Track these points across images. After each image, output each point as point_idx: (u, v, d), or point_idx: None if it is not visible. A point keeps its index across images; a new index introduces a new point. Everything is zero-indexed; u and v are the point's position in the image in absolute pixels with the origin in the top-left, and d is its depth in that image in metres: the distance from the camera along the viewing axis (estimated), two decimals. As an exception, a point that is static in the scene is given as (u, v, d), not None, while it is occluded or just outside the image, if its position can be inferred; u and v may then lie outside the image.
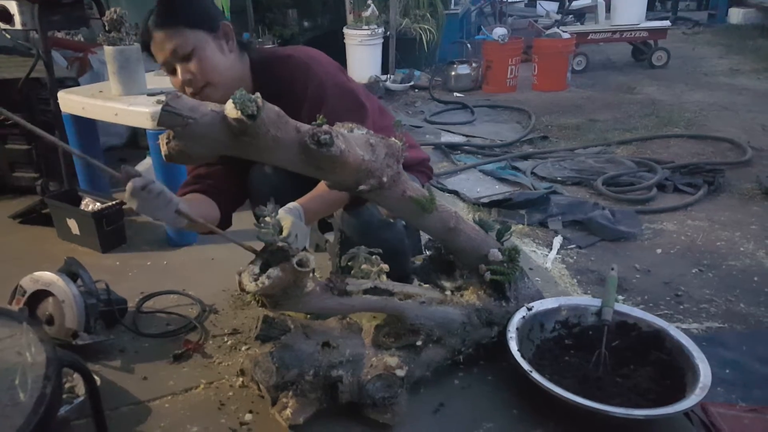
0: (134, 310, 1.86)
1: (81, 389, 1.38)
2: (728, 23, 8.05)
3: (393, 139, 1.23)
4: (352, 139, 1.14)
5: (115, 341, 1.70)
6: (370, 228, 1.44)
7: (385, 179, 1.19)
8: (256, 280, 1.14)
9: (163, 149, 1.04)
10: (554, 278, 2.12)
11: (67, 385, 1.40)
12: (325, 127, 1.09)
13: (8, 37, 2.51)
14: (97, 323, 1.66)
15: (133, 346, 1.70)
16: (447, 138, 3.82)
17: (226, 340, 1.72)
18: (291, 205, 1.37)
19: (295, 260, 1.14)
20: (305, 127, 1.09)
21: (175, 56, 1.33)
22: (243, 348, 1.67)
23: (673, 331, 1.56)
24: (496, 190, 2.95)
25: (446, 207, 1.41)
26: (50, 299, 1.61)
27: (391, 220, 1.53)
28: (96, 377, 1.39)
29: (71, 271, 1.67)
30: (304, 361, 1.34)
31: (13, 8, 2.34)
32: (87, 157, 1.10)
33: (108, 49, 2.26)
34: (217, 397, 1.48)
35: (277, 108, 1.05)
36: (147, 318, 1.84)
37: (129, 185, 1.10)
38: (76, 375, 1.39)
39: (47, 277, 1.61)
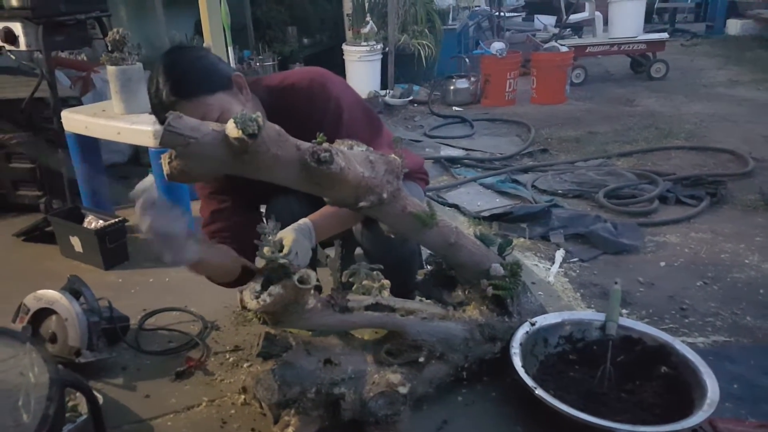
0: (136, 327, 1.86)
1: (84, 407, 1.37)
2: (726, 34, 8.09)
3: (392, 155, 1.24)
4: (351, 156, 1.15)
5: (117, 359, 1.70)
6: (390, 242, 1.42)
7: (385, 195, 1.20)
8: (257, 297, 1.14)
9: (166, 169, 1.05)
10: (557, 292, 2.10)
11: (70, 404, 1.40)
12: (325, 145, 1.10)
13: (13, 57, 2.54)
14: (99, 341, 1.66)
15: (135, 364, 1.70)
16: (447, 152, 3.83)
17: (227, 357, 1.72)
18: (301, 221, 1.36)
19: (296, 277, 1.15)
20: (305, 145, 1.10)
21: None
22: (245, 365, 1.67)
23: (679, 345, 1.54)
24: (496, 203, 2.94)
25: (446, 222, 1.41)
26: (53, 317, 1.62)
27: (392, 236, 1.53)
28: (98, 395, 1.38)
29: (74, 289, 1.68)
30: (306, 378, 1.33)
31: (18, 29, 2.37)
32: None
33: (110, 69, 2.29)
34: (219, 415, 1.47)
35: (277, 127, 1.06)
36: (149, 335, 1.84)
37: (140, 200, 1.06)
38: (78, 393, 1.39)
39: (50, 295, 1.62)
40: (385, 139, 1.51)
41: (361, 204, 1.17)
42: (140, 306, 1.98)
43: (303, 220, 1.36)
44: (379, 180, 1.17)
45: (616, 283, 1.75)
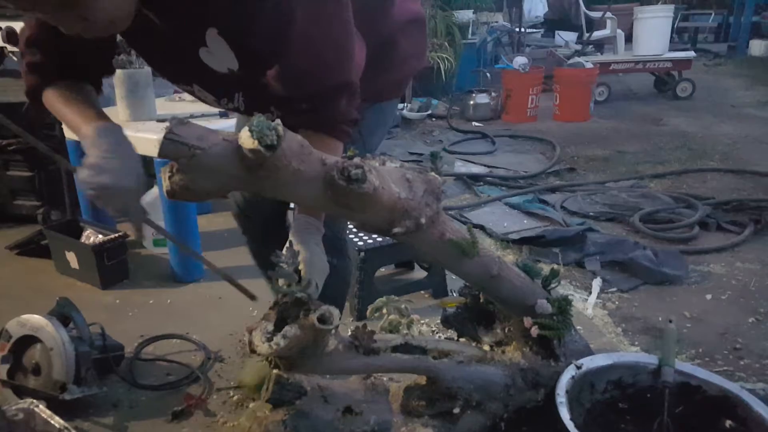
0: (132, 356, 1.68)
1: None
2: (750, 55, 7.92)
3: (432, 174, 1.06)
4: (386, 173, 0.97)
5: (108, 394, 1.51)
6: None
7: (423, 220, 1.02)
8: (269, 339, 0.95)
9: (166, 184, 0.87)
10: (597, 327, 1.90)
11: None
12: (356, 160, 0.92)
13: (15, 59, 2.40)
14: (88, 373, 1.47)
15: (128, 400, 1.51)
16: (468, 168, 3.65)
17: (231, 394, 1.54)
18: (302, 220, 1.04)
19: (315, 315, 0.96)
20: (332, 159, 0.92)
21: (48, 9, 0.85)
22: (250, 404, 1.48)
23: (746, 396, 1.35)
24: (524, 225, 2.75)
25: (488, 251, 1.23)
26: (38, 346, 1.44)
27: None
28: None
29: (63, 314, 1.50)
30: (323, 430, 1.15)
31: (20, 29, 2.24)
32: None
33: (116, 73, 2.15)
34: (219, 466, 1.29)
35: (299, 137, 0.89)
36: (145, 366, 1.66)
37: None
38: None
39: (35, 321, 1.44)
40: (358, 62, 1.05)
41: (396, 230, 0.99)
42: (138, 331, 1.81)
43: (304, 219, 1.03)
44: (416, 202, 0.99)
45: (670, 321, 1.55)
